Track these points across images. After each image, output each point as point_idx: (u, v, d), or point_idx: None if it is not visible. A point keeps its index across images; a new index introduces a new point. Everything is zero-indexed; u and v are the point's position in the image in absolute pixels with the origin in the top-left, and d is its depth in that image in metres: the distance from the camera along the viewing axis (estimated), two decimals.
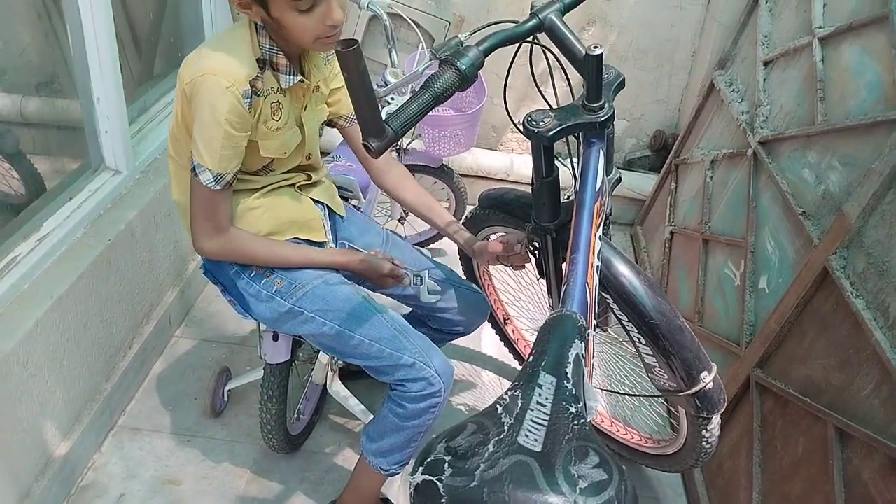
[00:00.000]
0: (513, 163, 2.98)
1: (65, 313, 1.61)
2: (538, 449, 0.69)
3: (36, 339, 1.52)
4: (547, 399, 0.72)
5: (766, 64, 2.20)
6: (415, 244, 1.83)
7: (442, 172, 2.49)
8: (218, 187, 1.31)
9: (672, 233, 2.55)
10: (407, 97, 1.97)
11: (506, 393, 0.75)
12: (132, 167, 1.98)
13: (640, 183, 2.96)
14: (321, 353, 1.79)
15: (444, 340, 1.77)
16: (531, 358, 0.77)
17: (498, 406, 0.73)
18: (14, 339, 1.45)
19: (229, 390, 1.96)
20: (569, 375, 0.74)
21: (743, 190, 2.07)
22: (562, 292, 1.02)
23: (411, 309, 1.75)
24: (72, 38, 1.79)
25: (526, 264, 1.58)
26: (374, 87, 1.93)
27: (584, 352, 0.79)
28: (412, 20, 2.15)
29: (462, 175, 2.76)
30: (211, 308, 2.33)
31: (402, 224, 2.61)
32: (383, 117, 1.00)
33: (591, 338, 0.85)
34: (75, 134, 2.00)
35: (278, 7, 1.22)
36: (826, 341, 1.54)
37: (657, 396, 1.57)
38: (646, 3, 2.72)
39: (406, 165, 2.37)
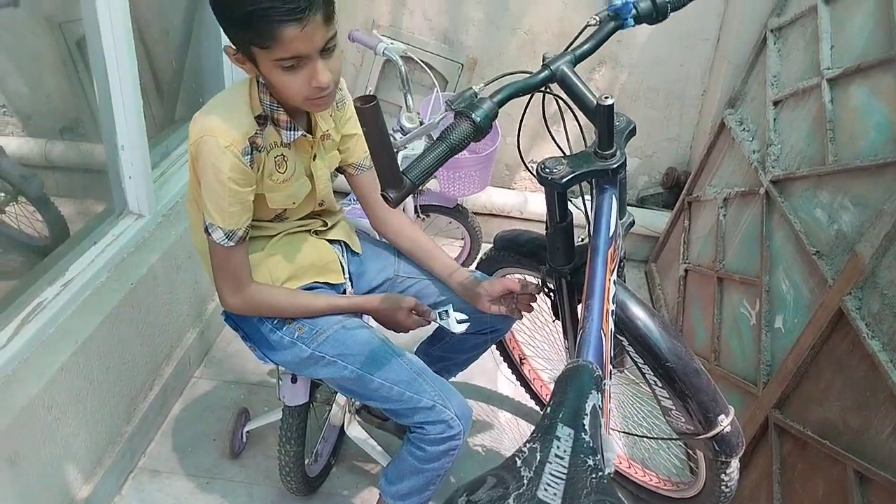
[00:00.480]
0: (527, 200, 3.01)
1: (88, 357, 1.64)
2: (558, 503, 0.70)
3: (60, 383, 1.55)
4: (565, 452, 0.73)
5: (775, 103, 2.22)
6: None
7: (457, 212, 2.52)
8: (231, 243, 1.34)
9: (686, 270, 2.56)
10: (422, 142, 2.02)
11: (524, 445, 0.76)
12: (154, 211, 2.03)
13: (653, 220, 2.98)
14: (339, 394, 1.80)
15: (478, 347, 1.77)
16: (549, 409, 0.78)
17: (517, 459, 0.74)
18: (40, 384, 1.48)
19: (248, 431, 1.98)
20: (586, 427, 0.75)
21: (756, 228, 2.08)
22: (577, 339, 1.03)
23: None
24: (98, 88, 1.85)
25: (534, 307, 1.58)
26: (391, 130, 1.98)
27: (600, 402, 0.80)
28: (424, 64, 2.20)
29: (476, 213, 2.79)
30: (230, 348, 2.36)
31: None
32: (400, 168, 1.03)
33: (607, 387, 0.86)
34: (98, 177, 2.05)
35: (265, 65, 1.22)
36: (843, 383, 1.54)
37: (675, 439, 1.57)
38: (655, 42, 2.77)
39: (421, 206, 2.42)
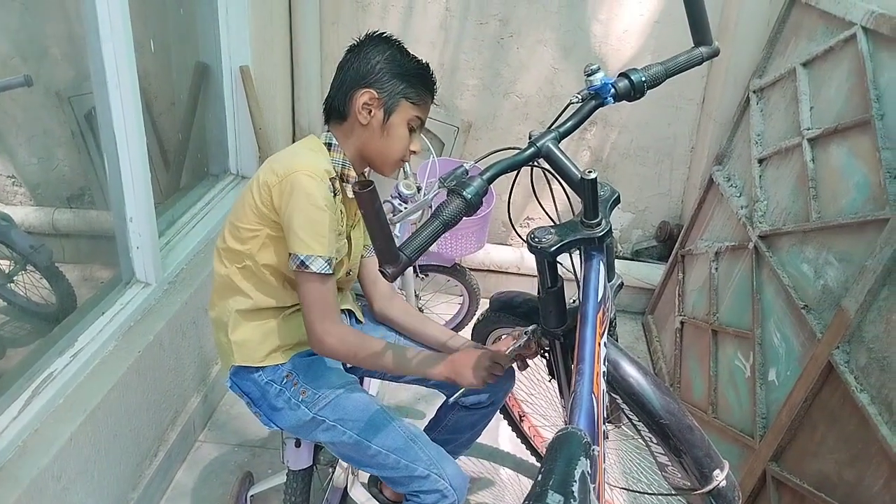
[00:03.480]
0: (523, 257, 3.07)
1: (96, 426, 1.68)
2: None
3: (70, 452, 1.58)
4: None
5: (760, 161, 2.30)
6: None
7: (455, 271, 2.58)
8: (330, 271, 1.39)
9: (682, 322, 2.60)
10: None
11: None
12: (161, 279, 2.09)
13: (648, 273, 3.04)
14: None
15: (479, 423, 1.80)
16: (539, 476, 0.82)
17: None
18: (49, 454, 1.51)
19: (252, 496, 1.99)
20: (575, 494, 0.79)
21: (747, 282, 2.13)
22: (569, 404, 1.08)
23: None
24: (107, 161, 1.92)
25: (530, 364, 1.64)
26: (388, 197, 2.06)
27: (589, 469, 0.84)
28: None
29: (474, 270, 2.85)
30: (233, 411, 2.39)
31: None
32: (397, 244, 1.09)
33: (597, 452, 0.90)
34: (105, 244, 2.11)
35: (399, 117, 1.45)
36: (836, 436, 1.57)
37: (672, 495, 1.59)
38: (643, 104, 2.81)
39: (420, 266, 2.48)
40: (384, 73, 1.43)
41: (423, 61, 1.51)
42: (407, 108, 1.46)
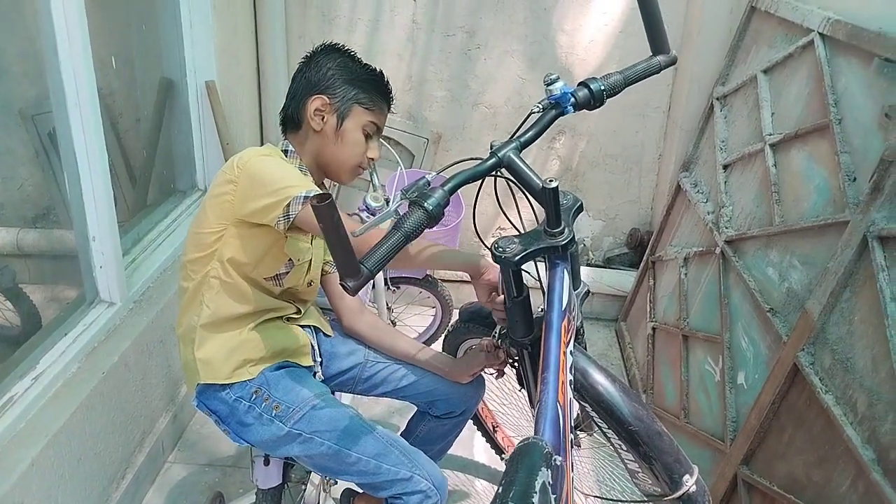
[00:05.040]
0: None
1: (59, 450, 1.64)
2: None
3: (31, 478, 1.54)
4: None
5: (725, 167, 2.33)
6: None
7: (427, 282, 2.57)
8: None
9: (654, 328, 2.61)
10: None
11: None
12: (126, 298, 2.05)
13: (619, 280, 3.05)
14: (313, 474, 1.80)
15: (451, 433, 1.80)
16: (500, 488, 0.82)
17: None
18: (10, 481, 1.47)
19: None
20: None
21: (715, 287, 2.15)
22: (535, 413, 1.07)
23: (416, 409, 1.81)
24: (68, 181, 1.90)
25: (505, 373, 1.65)
26: (357, 210, 2.05)
27: (550, 479, 0.83)
28: (391, 140, 2.29)
29: (446, 281, 2.84)
30: (204, 430, 2.35)
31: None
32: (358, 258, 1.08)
33: (559, 463, 0.89)
34: (70, 264, 2.07)
35: (352, 122, 1.46)
36: (803, 437, 1.58)
37: (644, 502, 1.59)
38: (610, 112, 2.90)
39: (392, 278, 2.47)
40: (335, 78, 1.46)
41: (377, 69, 1.53)
42: (360, 114, 1.47)
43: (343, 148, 1.48)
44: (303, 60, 1.51)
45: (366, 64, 1.51)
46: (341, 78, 1.46)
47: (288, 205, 1.32)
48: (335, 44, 1.53)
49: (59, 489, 1.65)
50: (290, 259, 1.51)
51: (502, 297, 1.47)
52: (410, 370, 1.71)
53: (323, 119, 1.46)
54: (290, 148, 1.50)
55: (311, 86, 1.46)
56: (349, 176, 1.53)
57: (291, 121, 1.50)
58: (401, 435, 1.82)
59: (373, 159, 1.53)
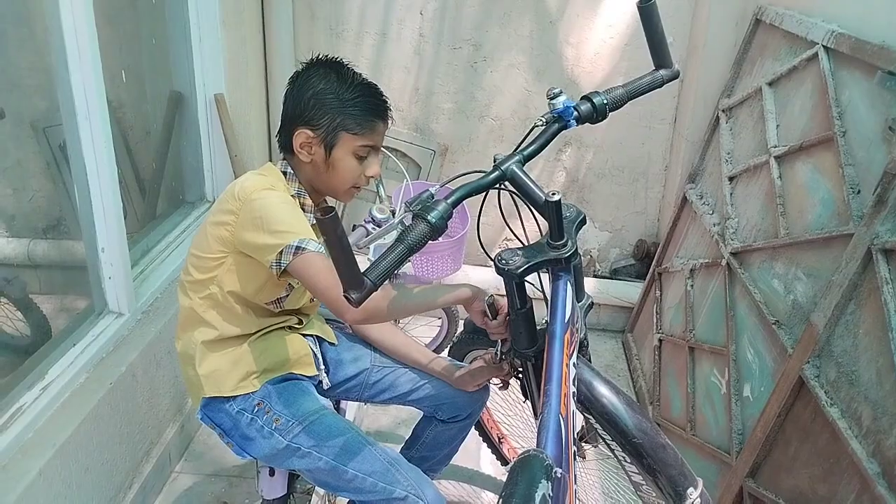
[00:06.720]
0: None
1: (67, 460, 1.65)
2: None
3: (39, 488, 1.55)
4: None
5: (730, 179, 2.33)
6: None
7: None
8: (324, 251, 1.34)
9: (661, 340, 2.61)
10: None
11: None
12: (134, 308, 2.07)
13: (626, 291, 3.05)
14: None
15: (457, 437, 1.80)
16: (499, 500, 0.82)
17: None
18: (17, 491, 1.48)
19: None
20: None
21: (721, 299, 2.15)
22: (538, 425, 1.08)
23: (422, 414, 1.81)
24: (78, 193, 1.92)
25: (510, 384, 1.65)
26: (363, 222, 2.07)
27: (550, 491, 0.84)
28: (398, 152, 2.31)
29: None
30: (211, 440, 2.36)
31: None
32: (362, 269, 1.09)
33: (560, 475, 0.90)
34: (79, 274, 2.09)
35: (341, 150, 1.41)
36: (809, 450, 1.57)
37: None
38: (616, 124, 2.91)
39: None
40: (317, 108, 1.40)
41: (366, 82, 1.45)
42: (349, 140, 1.42)
43: (335, 175, 1.45)
44: (290, 80, 1.45)
45: (353, 80, 1.43)
46: (325, 105, 1.39)
47: (280, 251, 1.33)
48: (321, 58, 1.46)
49: (67, 499, 1.66)
50: (290, 283, 1.51)
51: (495, 321, 1.51)
52: (416, 374, 1.71)
53: (311, 151, 1.43)
54: (289, 170, 1.48)
55: (296, 115, 1.42)
56: (347, 197, 1.51)
57: (284, 147, 1.49)
58: (407, 441, 1.83)
59: (372, 177, 1.49)
